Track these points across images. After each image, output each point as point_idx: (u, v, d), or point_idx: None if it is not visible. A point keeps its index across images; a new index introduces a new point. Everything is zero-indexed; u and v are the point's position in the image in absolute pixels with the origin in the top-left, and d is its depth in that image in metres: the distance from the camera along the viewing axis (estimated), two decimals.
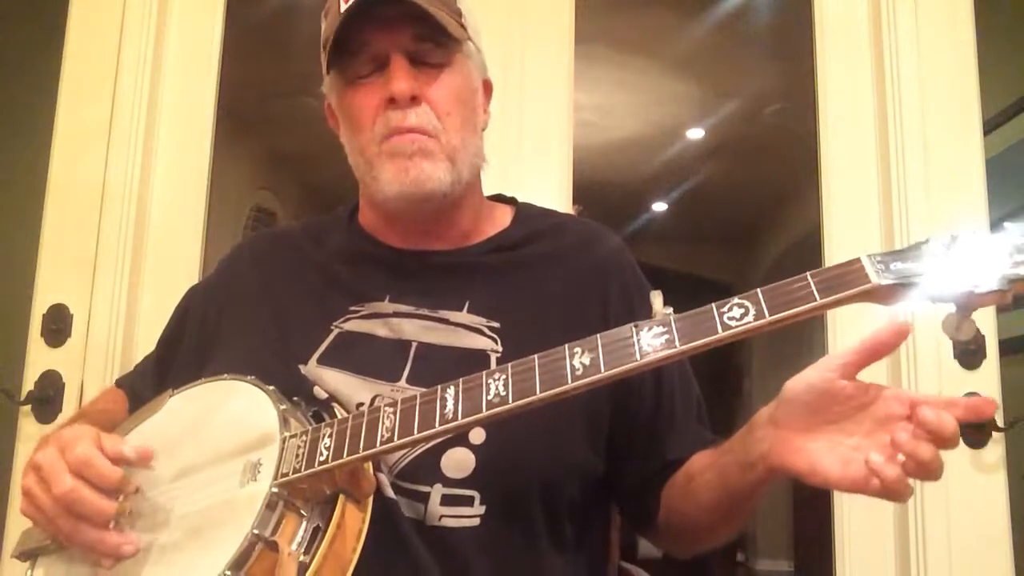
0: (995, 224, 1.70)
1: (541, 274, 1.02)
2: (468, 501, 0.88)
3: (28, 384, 1.71)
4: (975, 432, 1.58)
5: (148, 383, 1.09)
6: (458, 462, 0.88)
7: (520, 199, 1.12)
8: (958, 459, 1.57)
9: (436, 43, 0.95)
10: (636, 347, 0.69)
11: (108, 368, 1.70)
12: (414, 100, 0.93)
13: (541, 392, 0.70)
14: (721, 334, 0.67)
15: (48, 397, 1.69)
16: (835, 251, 1.71)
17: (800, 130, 2.00)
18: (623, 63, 2.97)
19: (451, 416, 0.72)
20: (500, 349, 0.94)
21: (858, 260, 0.67)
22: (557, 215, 1.14)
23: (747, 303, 0.68)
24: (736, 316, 0.67)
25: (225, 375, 0.91)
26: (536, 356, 0.72)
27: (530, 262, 1.03)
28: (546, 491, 0.92)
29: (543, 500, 0.91)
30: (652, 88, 3.22)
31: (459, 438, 0.88)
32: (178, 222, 1.81)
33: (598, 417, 0.96)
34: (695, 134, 3.54)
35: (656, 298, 0.73)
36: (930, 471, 0.67)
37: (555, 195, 1.76)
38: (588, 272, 1.02)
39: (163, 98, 1.84)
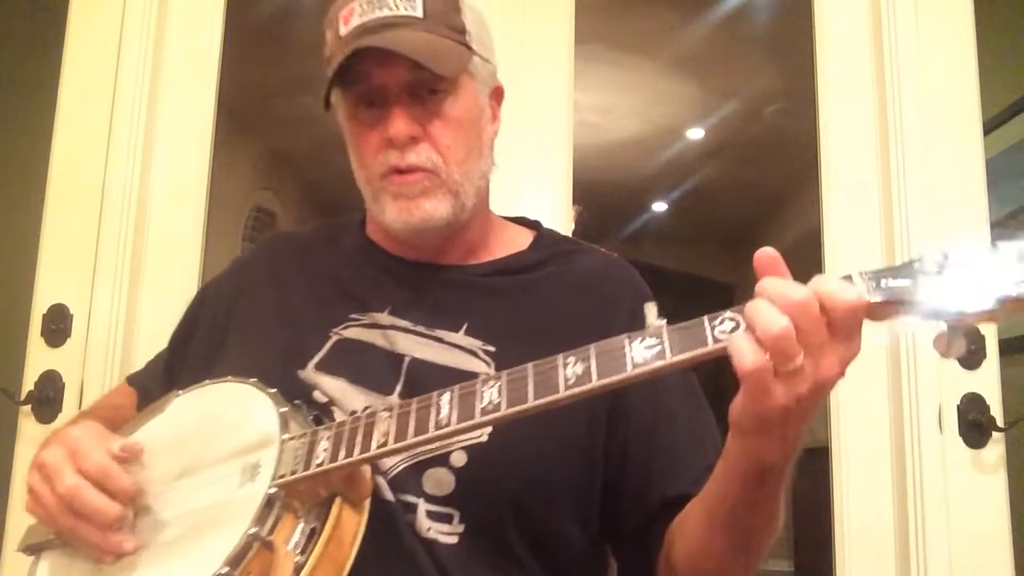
0: (995, 225, 1.71)
1: (547, 300, 1.01)
2: (448, 518, 0.88)
3: (28, 384, 1.71)
4: (975, 432, 1.58)
5: (158, 382, 1.11)
6: (438, 481, 0.88)
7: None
8: (958, 459, 1.58)
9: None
10: (628, 358, 0.69)
11: (108, 368, 1.70)
12: (413, 139, 0.94)
13: (534, 400, 0.70)
14: (711, 347, 0.67)
15: (48, 397, 1.69)
16: (835, 251, 1.71)
17: (800, 130, 2.00)
18: (623, 63, 2.97)
19: (445, 421, 0.73)
20: (493, 374, 0.93)
21: (849, 276, 0.67)
22: (578, 244, 1.11)
23: (739, 317, 0.67)
24: (727, 329, 0.67)
25: (229, 377, 0.93)
26: (530, 364, 0.73)
27: (538, 287, 1.02)
28: (526, 518, 0.90)
29: (522, 528, 0.90)
30: (652, 88, 3.23)
31: (440, 459, 0.88)
32: (178, 222, 1.81)
33: (593, 452, 0.94)
34: (695, 134, 3.54)
35: (650, 310, 0.72)
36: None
37: (555, 195, 1.75)
38: (597, 306, 1.00)
39: (163, 98, 1.84)
